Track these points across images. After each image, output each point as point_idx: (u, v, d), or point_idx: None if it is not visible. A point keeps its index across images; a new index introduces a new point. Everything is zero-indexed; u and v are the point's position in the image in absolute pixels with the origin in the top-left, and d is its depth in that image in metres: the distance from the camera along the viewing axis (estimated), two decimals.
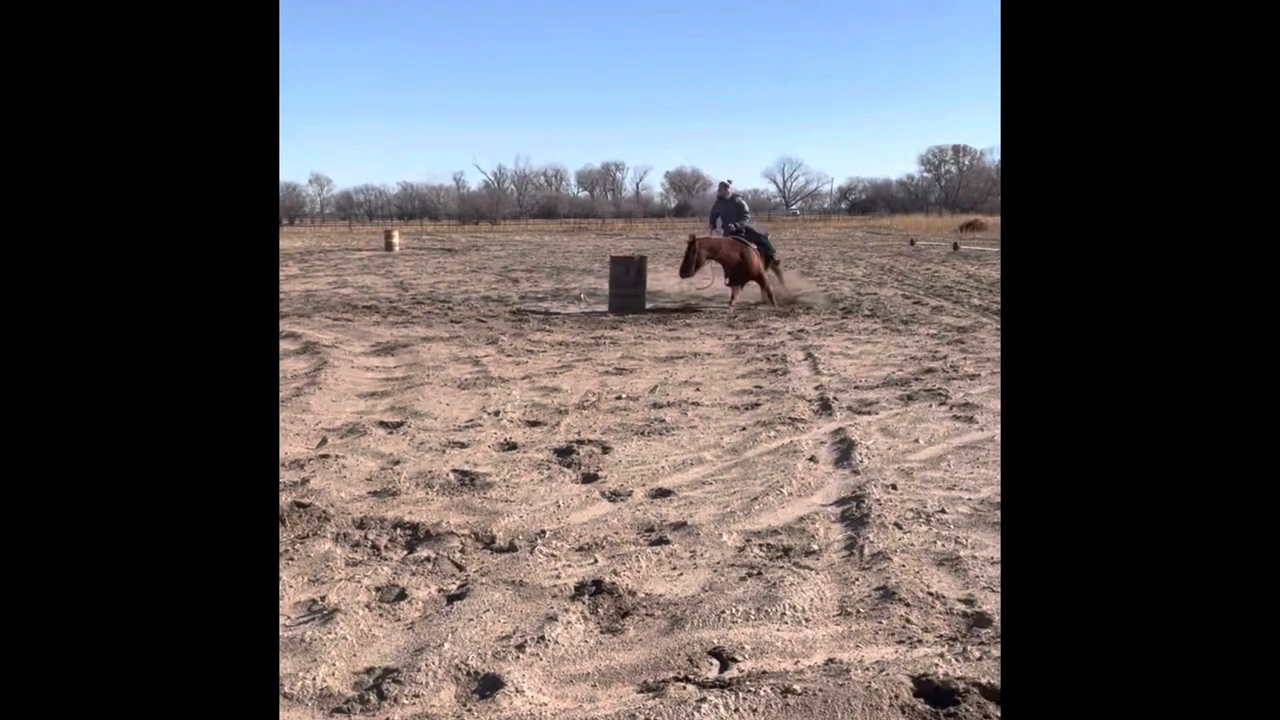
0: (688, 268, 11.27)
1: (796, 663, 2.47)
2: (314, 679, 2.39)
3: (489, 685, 2.36)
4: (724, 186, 12.46)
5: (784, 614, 2.73)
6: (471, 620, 2.72)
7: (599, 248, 30.70)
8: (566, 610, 2.77)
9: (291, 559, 3.28)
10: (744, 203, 12.49)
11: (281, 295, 14.37)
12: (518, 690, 2.33)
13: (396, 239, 31.78)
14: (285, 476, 4.26)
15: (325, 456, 4.58)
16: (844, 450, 4.63)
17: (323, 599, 2.89)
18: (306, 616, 2.80)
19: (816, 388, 6.32)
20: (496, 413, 5.66)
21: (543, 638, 2.59)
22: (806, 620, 2.72)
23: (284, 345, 8.79)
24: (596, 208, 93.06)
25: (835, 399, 5.88)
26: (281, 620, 2.78)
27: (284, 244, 37.34)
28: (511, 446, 4.86)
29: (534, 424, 5.39)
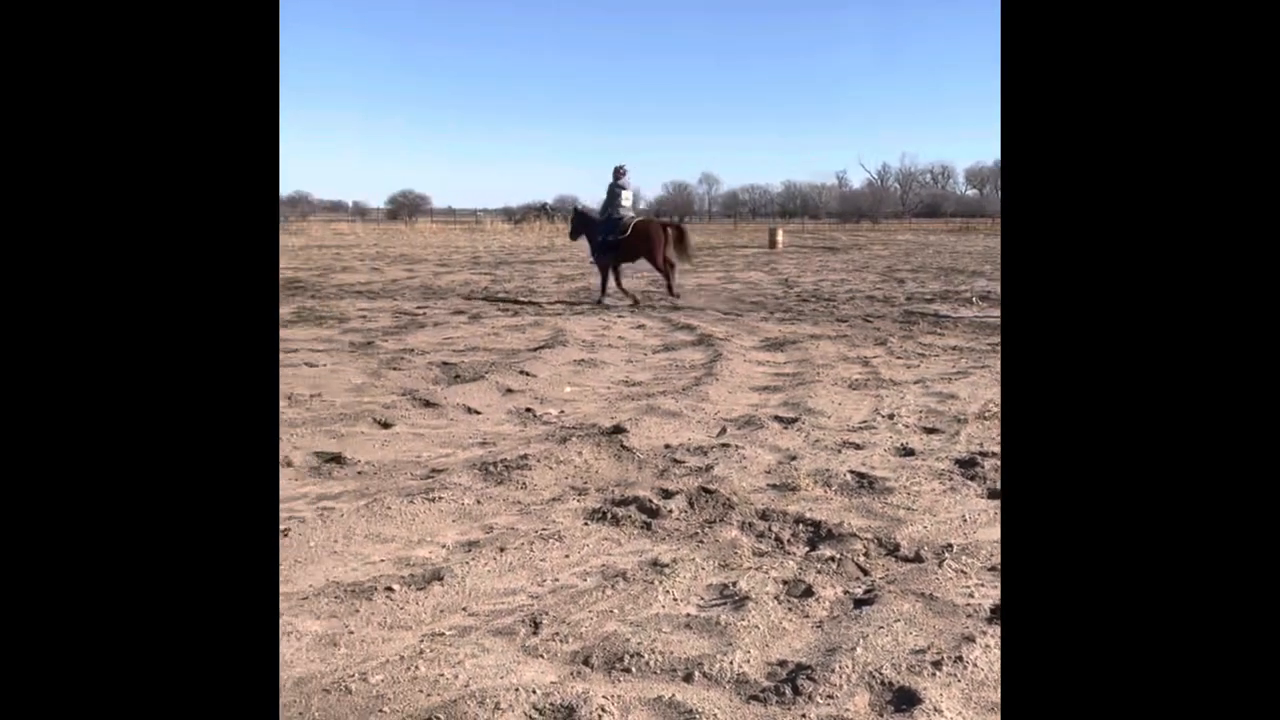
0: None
1: None
2: (730, 663, 2.46)
3: (904, 699, 2.29)
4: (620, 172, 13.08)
5: None
6: (882, 629, 2.66)
7: (989, 249, 29.01)
8: (984, 633, 2.61)
9: (701, 542, 3.43)
10: (617, 190, 13.01)
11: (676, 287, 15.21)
12: (935, 709, 2.23)
13: (780, 236, 32.33)
14: (690, 461, 4.47)
15: (726, 445, 4.75)
16: None
17: (734, 584, 2.99)
18: (719, 600, 2.90)
19: None
20: (890, 416, 5.52)
21: (960, 658, 2.46)
22: None
23: (681, 336, 9.29)
24: (986, 206, 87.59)
25: None
26: (695, 600, 2.92)
27: None
28: (909, 452, 4.71)
29: (931, 431, 5.18)
